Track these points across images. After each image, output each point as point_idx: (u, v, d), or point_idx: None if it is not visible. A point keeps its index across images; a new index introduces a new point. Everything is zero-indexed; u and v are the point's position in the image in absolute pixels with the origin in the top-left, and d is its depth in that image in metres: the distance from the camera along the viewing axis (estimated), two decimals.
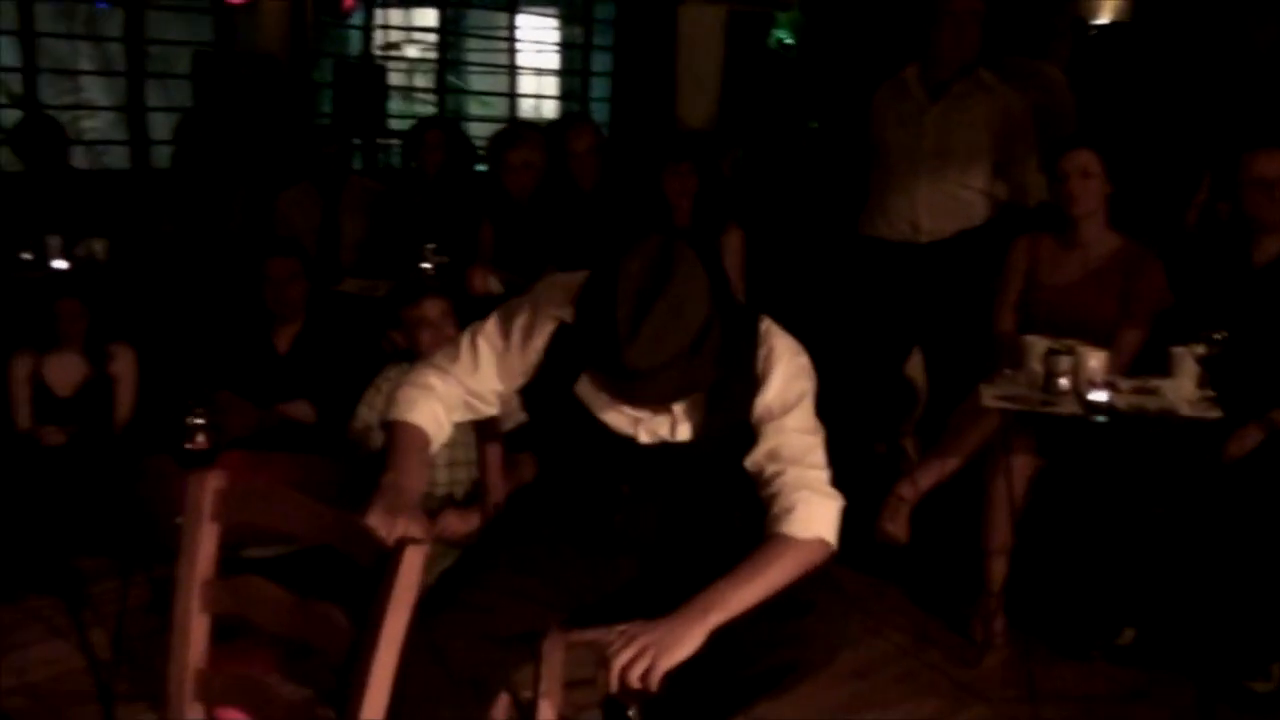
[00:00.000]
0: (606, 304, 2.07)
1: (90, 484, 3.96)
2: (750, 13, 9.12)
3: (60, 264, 4.83)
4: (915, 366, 4.52)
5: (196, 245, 5.44)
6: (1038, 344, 3.44)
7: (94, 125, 7.37)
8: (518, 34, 8.56)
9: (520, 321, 2.36)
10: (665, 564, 2.39)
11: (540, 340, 2.34)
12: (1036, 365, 3.39)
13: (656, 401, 2.23)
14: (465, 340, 2.41)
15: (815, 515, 2.25)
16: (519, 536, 2.45)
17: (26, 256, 4.90)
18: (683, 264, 2.08)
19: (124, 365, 4.38)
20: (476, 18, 8.81)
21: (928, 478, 3.71)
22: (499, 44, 8.49)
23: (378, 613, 1.66)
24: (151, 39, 6.74)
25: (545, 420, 2.45)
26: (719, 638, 2.17)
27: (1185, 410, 3.20)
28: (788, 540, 2.23)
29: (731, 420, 2.31)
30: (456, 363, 2.39)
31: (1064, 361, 3.29)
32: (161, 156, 6.43)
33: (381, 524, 2.05)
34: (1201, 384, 3.29)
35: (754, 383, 2.30)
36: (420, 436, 2.33)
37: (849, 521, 2.36)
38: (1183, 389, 3.28)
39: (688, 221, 4.46)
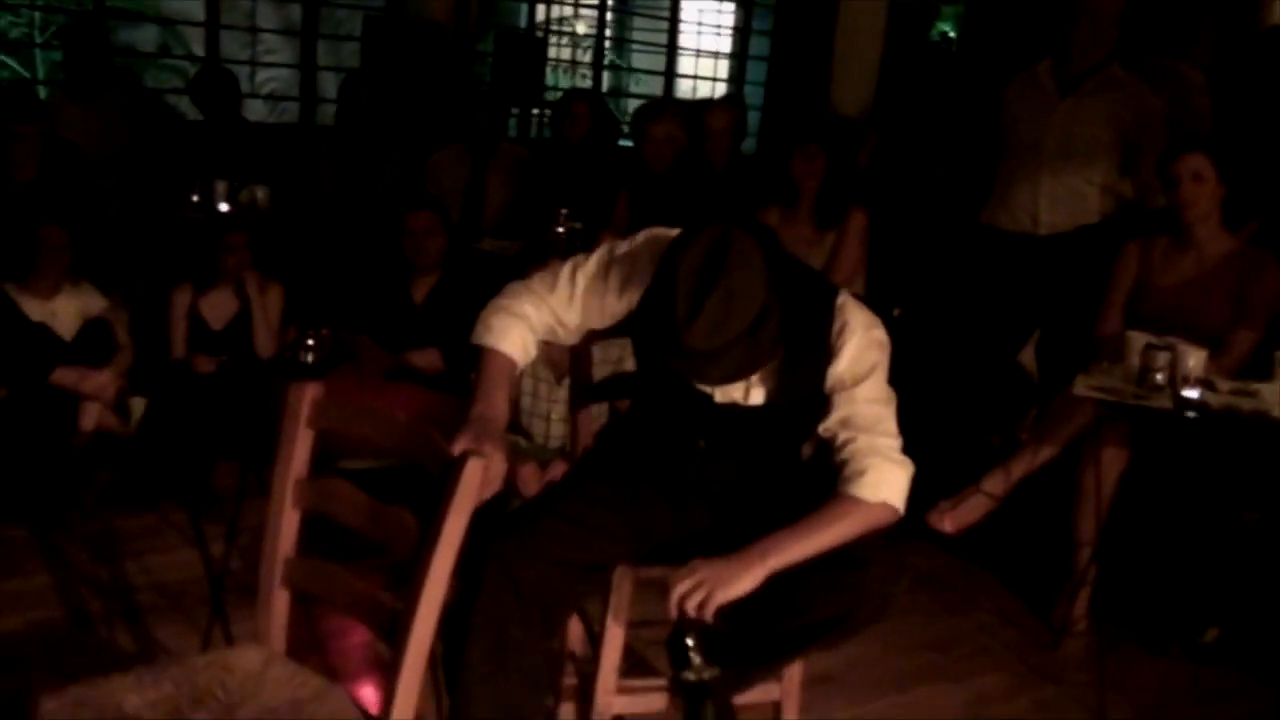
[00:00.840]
0: (666, 296, 2.20)
1: (233, 406, 4.26)
2: (914, 3, 9.12)
3: (224, 207, 5.18)
4: (1029, 357, 4.56)
5: (351, 198, 5.75)
6: (1138, 339, 3.48)
7: (271, 80, 7.77)
8: (680, 14, 8.72)
9: (619, 269, 2.49)
10: (734, 515, 2.53)
11: (632, 296, 2.47)
12: (1135, 359, 3.43)
13: (722, 383, 2.36)
14: (566, 271, 2.54)
15: (885, 480, 2.36)
16: (599, 475, 2.62)
17: (194, 198, 5.27)
18: (737, 254, 2.18)
19: (272, 301, 4.67)
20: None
21: (1019, 469, 3.77)
22: (660, 24, 8.66)
23: (440, 515, 1.85)
24: (327, 1, 7.09)
25: (640, 368, 2.61)
26: (776, 584, 2.31)
27: (1278, 413, 3.21)
28: (855, 501, 2.35)
29: (803, 389, 2.43)
30: (554, 292, 2.53)
31: (1161, 357, 3.33)
32: (328, 114, 6.79)
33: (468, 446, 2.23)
34: None
35: (827, 354, 2.41)
36: (509, 365, 2.48)
37: None
38: None
39: (813, 202, 4.55)
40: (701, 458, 2.54)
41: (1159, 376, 3.33)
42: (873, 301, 2.79)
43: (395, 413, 2.05)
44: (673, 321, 2.17)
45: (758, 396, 2.47)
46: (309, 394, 2.07)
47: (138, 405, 4.54)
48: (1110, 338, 3.83)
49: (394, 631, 1.89)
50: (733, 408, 2.47)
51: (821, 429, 2.44)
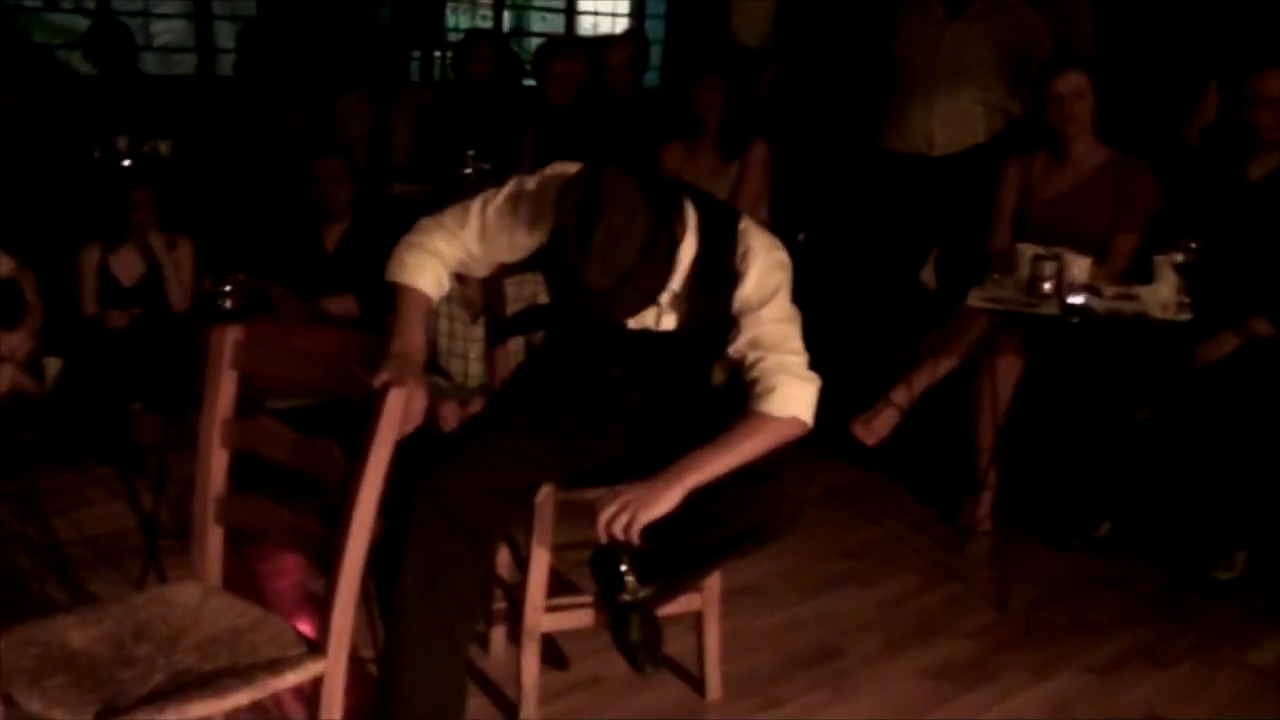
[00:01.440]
0: (559, 244, 2.30)
1: (150, 359, 4.29)
2: None
3: (127, 162, 5.14)
4: (929, 274, 4.71)
5: (255, 147, 5.74)
6: (1027, 250, 3.63)
7: (165, 31, 7.66)
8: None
9: (527, 204, 2.57)
10: (651, 436, 2.64)
11: (540, 232, 2.55)
12: (1024, 270, 3.58)
13: (630, 314, 2.46)
14: (476, 206, 2.62)
15: (793, 396, 2.48)
16: (518, 405, 2.72)
17: (95, 155, 5.23)
18: (610, 189, 2.26)
19: (183, 255, 4.68)
20: None
21: (921, 381, 3.92)
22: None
23: (366, 444, 1.94)
24: None
25: (553, 300, 2.70)
26: (693, 500, 2.43)
27: (1158, 314, 3.39)
28: (766, 417, 2.47)
29: (712, 313, 2.54)
30: (465, 228, 2.61)
31: (1048, 266, 3.49)
32: (226, 64, 6.72)
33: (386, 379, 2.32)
34: (1180, 291, 3.46)
35: (733, 278, 2.52)
36: (424, 301, 2.57)
37: None
38: (1160, 294, 3.45)
39: (716, 133, 4.64)
40: (617, 383, 2.65)
41: (1047, 285, 3.49)
42: (777, 227, 2.91)
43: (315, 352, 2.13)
44: (569, 267, 2.27)
45: (669, 322, 2.57)
46: (230, 336, 2.14)
47: (52, 365, 4.53)
48: (1001, 252, 4.00)
49: (328, 559, 1.98)
50: (645, 334, 2.58)
51: (731, 350, 2.54)
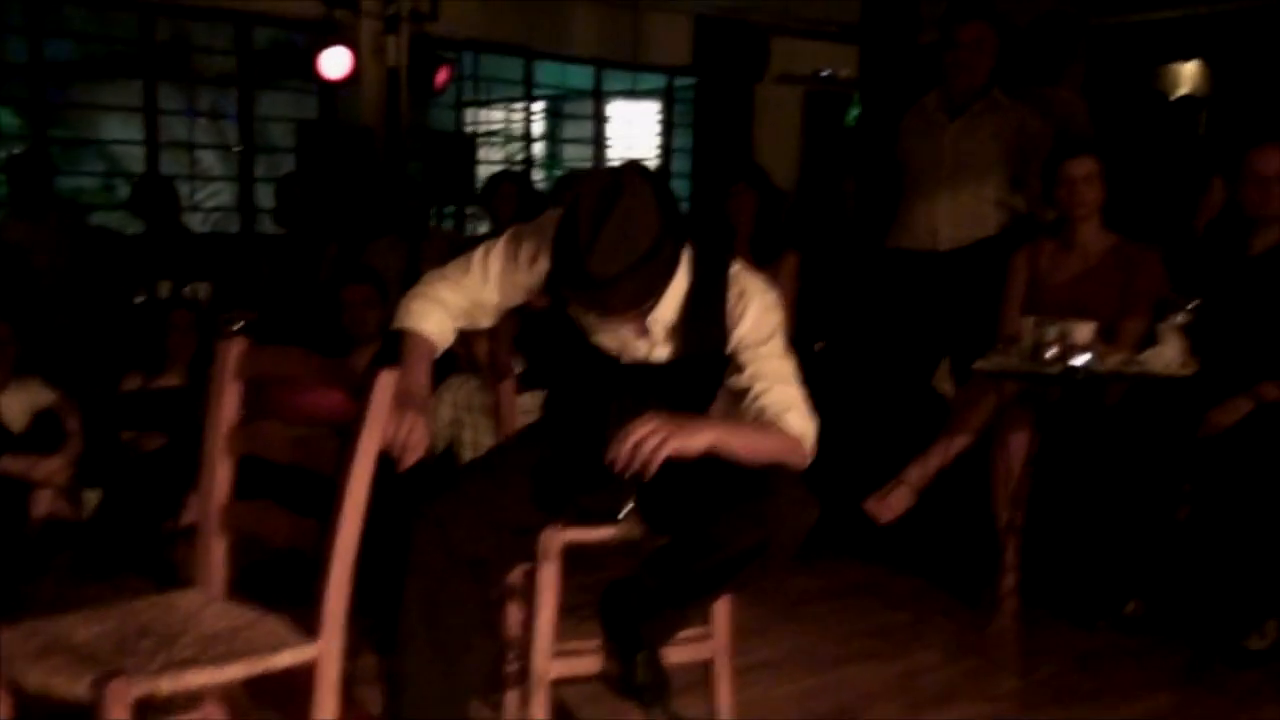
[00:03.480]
0: (569, 232, 2.39)
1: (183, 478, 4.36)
2: (828, 92, 9.56)
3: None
4: (943, 378, 4.76)
5: (291, 290, 5.95)
6: (1029, 320, 3.70)
7: (211, 196, 8.03)
8: (606, 112, 9.12)
9: (527, 244, 2.67)
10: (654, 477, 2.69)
11: (543, 264, 2.63)
12: (1028, 339, 3.64)
13: (623, 307, 2.49)
14: (478, 255, 2.72)
15: (802, 423, 2.53)
16: (525, 443, 2.78)
17: (138, 300, 5.45)
18: (630, 186, 2.38)
19: None
20: (572, 105, 9.43)
21: (934, 460, 3.95)
22: (585, 123, 9.05)
23: (356, 428, 2.01)
24: (262, 116, 7.39)
25: (550, 340, 2.79)
26: (696, 521, 2.46)
27: (1163, 371, 3.43)
28: (778, 428, 2.51)
29: (705, 346, 2.61)
30: (468, 275, 2.70)
31: (1051, 330, 3.56)
32: (267, 225, 7.03)
33: (391, 418, 2.39)
34: (1186, 351, 3.51)
35: (728, 317, 2.59)
36: (429, 345, 2.66)
37: None
38: (1164, 356, 3.50)
39: (748, 241, 4.77)
40: (615, 418, 2.71)
41: (1051, 350, 3.54)
42: (796, 338, 2.99)
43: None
44: (576, 250, 2.35)
45: (662, 354, 2.65)
46: (235, 349, 2.24)
47: (91, 497, 4.65)
48: (1011, 337, 4.06)
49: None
50: (640, 367, 2.65)
51: (732, 382, 2.59)
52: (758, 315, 2.60)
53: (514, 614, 3.06)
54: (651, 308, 2.54)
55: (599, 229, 2.34)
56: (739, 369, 2.59)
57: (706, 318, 2.60)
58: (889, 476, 3.99)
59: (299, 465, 2.12)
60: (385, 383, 2.01)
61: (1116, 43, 7.44)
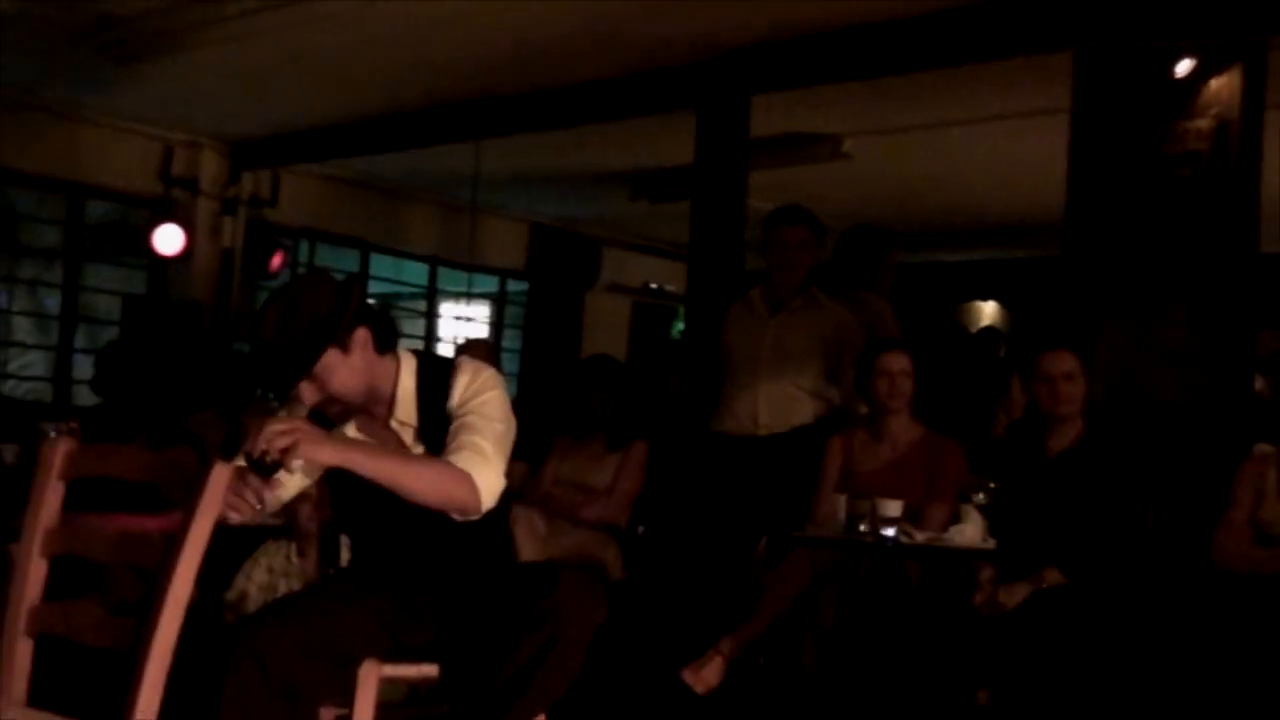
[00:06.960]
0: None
1: None
2: (654, 305, 9.92)
3: None
4: (760, 559, 4.86)
5: None
6: (842, 498, 3.87)
7: (26, 366, 7.81)
8: (438, 310, 9.27)
9: None
10: (460, 607, 2.72)
11: None
12: (841, 513, 3.80)
13: (287, 378, 2.60)
14: None
15: (475, 463, 2.60)
16: (345, 579, 2.79)
17: None
18: (306, 280, 2.70)
19: None
20: (406, 301, 9.54)
21: (747, 631, 4.05)
22: (418, 319, 9.17)
23: (187, 516, 1.99)
24: (85, 287, 7.29)
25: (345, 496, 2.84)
26: (483, 627, 2.57)
27: (964, 544, 3.61)
28: (445, 462, 2.60)
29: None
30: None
31: (863, 505, 3.72)
32: (84, 396, 6.84)
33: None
34: (984, 530, 3.70)
35: (449, 397, 2.72)
36: None
37: None
38: (966, 533, 3.69)
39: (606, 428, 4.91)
40: (416, 559, 2.75)
41: (863, 525, 3.70)
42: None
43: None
44: (255, 333, 2.62)
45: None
46: (61, 448, 2.21)
47: None
48: (825, 515, 4.21)
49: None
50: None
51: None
52: (465, 383, 2.73)
53: None
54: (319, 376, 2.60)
55: (268, 310, 2.60)
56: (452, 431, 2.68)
57: (440, 412, 2.71)
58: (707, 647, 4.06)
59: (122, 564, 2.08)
60: (219, 474, 2.01)
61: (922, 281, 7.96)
